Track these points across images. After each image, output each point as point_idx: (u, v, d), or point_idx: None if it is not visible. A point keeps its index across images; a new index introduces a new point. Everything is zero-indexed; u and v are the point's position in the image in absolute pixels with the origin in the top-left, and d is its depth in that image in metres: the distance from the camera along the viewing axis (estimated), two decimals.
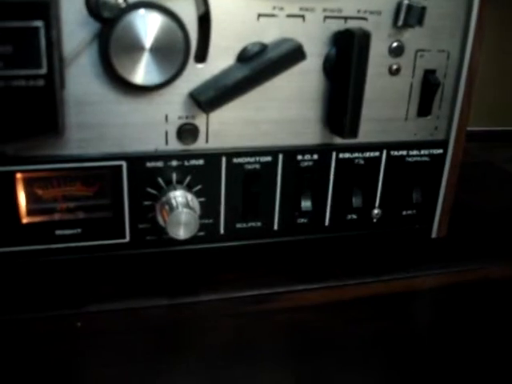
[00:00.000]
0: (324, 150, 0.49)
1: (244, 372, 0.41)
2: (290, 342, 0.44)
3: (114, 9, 0.39)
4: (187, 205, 0.44)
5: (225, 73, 0.44)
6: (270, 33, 0.45)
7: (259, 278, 0.50)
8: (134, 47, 0.40)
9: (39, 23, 0.37)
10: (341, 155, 0.49)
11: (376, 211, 0.53)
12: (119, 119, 0.44)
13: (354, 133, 0.46)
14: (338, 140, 0.49)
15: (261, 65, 0.43)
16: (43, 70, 0.38)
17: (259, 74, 0.43)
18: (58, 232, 0.46)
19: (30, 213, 0.45)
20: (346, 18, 0.46)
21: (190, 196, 0.45)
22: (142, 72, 0.41)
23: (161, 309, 0.47)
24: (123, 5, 0.39)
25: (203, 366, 0.42)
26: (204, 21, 0.43)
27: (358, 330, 0.45)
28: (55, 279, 0.48)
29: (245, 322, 0.46)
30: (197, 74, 0.44)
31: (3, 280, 0.47)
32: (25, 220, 0.45)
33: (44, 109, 0.39)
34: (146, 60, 0.40)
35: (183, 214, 0.43)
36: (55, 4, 0.38)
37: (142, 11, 0.40)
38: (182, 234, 0.44)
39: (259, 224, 0.49)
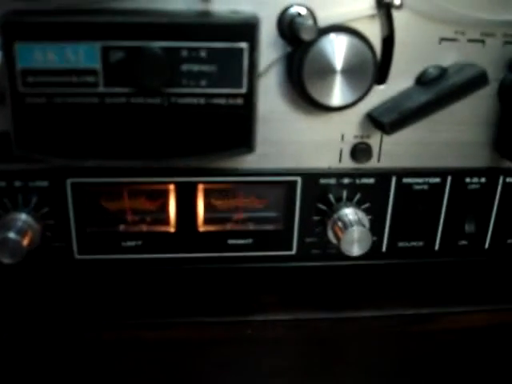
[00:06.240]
0: (492, 174, 0.49)
1: None
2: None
3: (312, 32, 0.40)
4: (360, 222, 0.45)
5: (405, 95, 0.45)
6: (450, 57, 0.45)
7: (419, 297, 0.51)
8: (326, 69, 0.41)
9: (244, 45, 0.39)
10: (508, 179, 0.49)
11: None
12: (297, 137, 0.45)
13: None
14: (506, 164, 0.48)
15: (445, 90, 0.43)
16: (243, 90, 0.40)
17: (443, 99, 0.43)
18: (231, 241, 0.48)
19: (206, 222, 0.47)
20: None
21: (360, 214, 0.46)
22: (333, 93, 0.42)
23: (324, 322, 0.48)
24: (318, 28, 0.41)
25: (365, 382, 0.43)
26: (387, 42, 0.44)
27: None
28: (224, 286, 0.50)
29: (407, 341, 0.46)
30: (376, 95, 0.45)
31: (179, 283, 0.49)
32: (201, 228, 0.47)
33: (240, 126, 0.41)
34: (337, 82, 0.42)
35: (358, 232, 0.44)
36: (259, 27, 0.39)
37: (333, 34, 0.41)
38: (355, 250, 0.45)
39: (421, 244, 0.50)
